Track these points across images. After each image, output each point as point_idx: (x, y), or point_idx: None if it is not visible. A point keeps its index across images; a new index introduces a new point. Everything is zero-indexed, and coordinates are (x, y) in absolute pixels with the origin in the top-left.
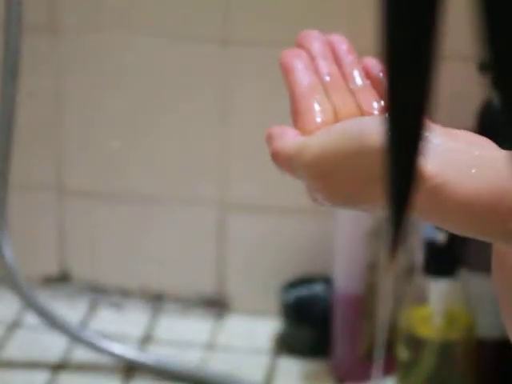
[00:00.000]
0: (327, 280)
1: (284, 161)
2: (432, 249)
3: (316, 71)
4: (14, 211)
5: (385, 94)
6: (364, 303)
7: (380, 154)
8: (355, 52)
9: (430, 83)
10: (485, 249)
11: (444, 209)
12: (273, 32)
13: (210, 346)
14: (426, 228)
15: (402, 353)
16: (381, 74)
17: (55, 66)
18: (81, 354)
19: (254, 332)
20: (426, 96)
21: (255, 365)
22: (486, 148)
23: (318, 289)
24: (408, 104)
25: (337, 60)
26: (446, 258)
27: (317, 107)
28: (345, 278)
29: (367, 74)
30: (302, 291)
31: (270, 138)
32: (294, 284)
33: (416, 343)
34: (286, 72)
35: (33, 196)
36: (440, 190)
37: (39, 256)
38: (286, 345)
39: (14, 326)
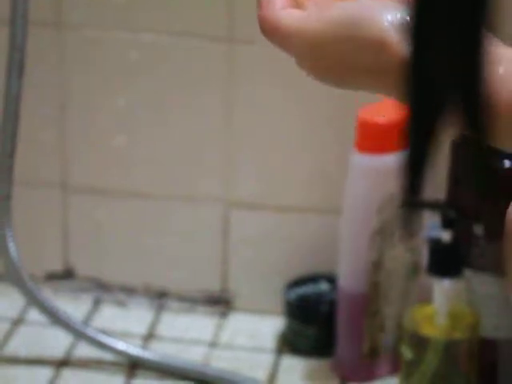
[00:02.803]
0: (331, 278)
1: (274, 32)
2: (436, 248)
3: None
4: (18, 208)
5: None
6: (368, 302)
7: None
8: None
9: None
10: (489, 249)
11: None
12: None
13: (214, 344)
14: (430, 227)
15: (406, 352)
16: None
17: (60, 62)
18: (84, 351)
19: (257, 330)
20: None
21: (258, 363)
22: None
23: (322, 287)
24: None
25: None
26: (451, 258)
27: None
28: (349, 276)
29: None
30: (306, 290)
31: (258, 3)
32: (297, 282)
33: (420, 342)
34: None
35: (37, 193)
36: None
37: (43, 253)
38: (290, 343)
39: (18, 322)
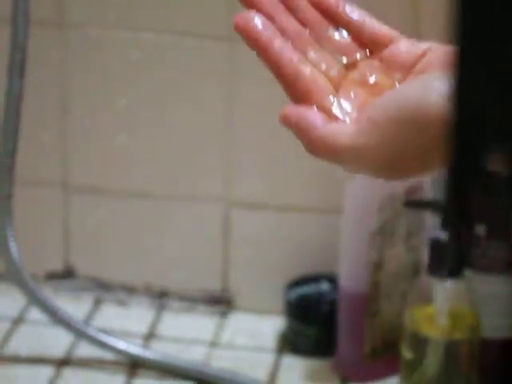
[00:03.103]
0: (332, 278)
1: (329, 152)
2: (437, 248)
3: (281, 32)
4: (19, 207)
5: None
6: (369, 302)
7: (439, 123)
8: None
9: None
10: (490, 249)
11: None
12: None
13: (214, 344)
14: (431, 227)
15: (406, 352)
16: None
17: (61, 62)
18: (85, 350)
19: (258, 330)
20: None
21: (259, 363)
22: None
23: (322, 287)
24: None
25: (288, 9)
26: (452, 258)
27: (318, 78)
28: (350, 276)
29: (319, 7)
30: (307, 289)
31: (298, 128)
32: (298, 282)
33: (420, 343)
34: (259, 49)
35: (38, 192)
36: None
37: (44, 252)
38: (290, 343)
39: (19, 321)
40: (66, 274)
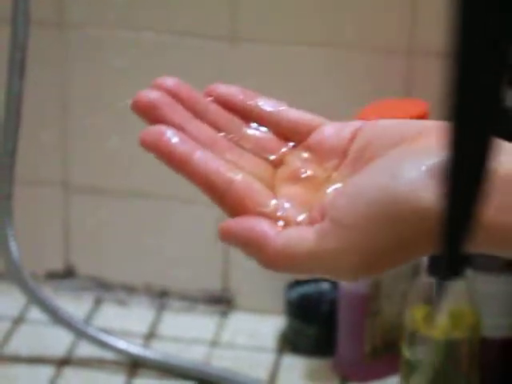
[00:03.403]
0: None
1: (292, 264)
2: None
3: (195, 142)
4: (19, 207)
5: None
6: (369, 302)
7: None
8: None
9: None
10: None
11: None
12: (282, 29)
13: (215, 343)
14: None
15: (407, 352)
16: (250, 101)
17: (61, 61)
18: (85, 350)
19: (258, 329)
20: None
21: (259, 362)
22: None
23: (322, 287)
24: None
25: (193, 111)
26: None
27: (252, 182)
28: None
29: (228, 106)
30: (307, 289)
31: (247, 244)
32: (298, 282)
33: (420, 342)
34: (177, 165)
35: (38, 192)
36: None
37: (44, 251)
38: (291, 343)
39: (19, 321)
40: (66, 273)
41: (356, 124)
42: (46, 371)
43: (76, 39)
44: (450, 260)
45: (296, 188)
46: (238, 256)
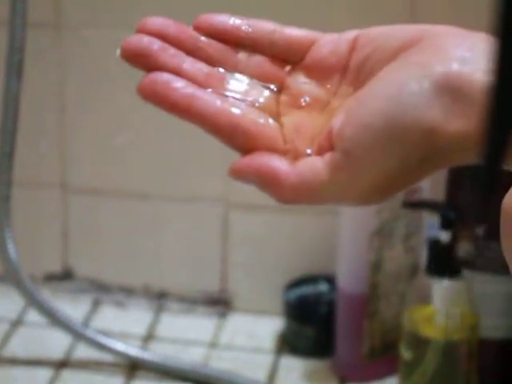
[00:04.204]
0: (330, 279)
1: (307, 197)
2: (436, 248)
3: (192, 81)
4: (17, 208)
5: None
6: (367, 303)
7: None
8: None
9: None
10: (489, 249)
11: None
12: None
13: (213, 345)
14: (429, 227)
15: (405, 353)
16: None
17: (59, 62)
18: (83, 352)
19: (256, 331)
20: None
21: (258, 364)
22: None
23: (321, 288)
24: None
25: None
26: (450, 258)
27: (257, 117)
28: (348, 277)
29: (219, 36)
30: (305, 290)
31: (262, 181)
32: (297, 283)
33: (419, 343)
34: (180, 109)
35: (36, 193)
36: None
37: (42, 253)
38: (289, 344)
39: (17, 323)
40: (65, 275)
41: (351, 35)
42: (44, 373)
43: (73, 41)
44: (489, 174)
45: (301, 114)
46: (236, 257)
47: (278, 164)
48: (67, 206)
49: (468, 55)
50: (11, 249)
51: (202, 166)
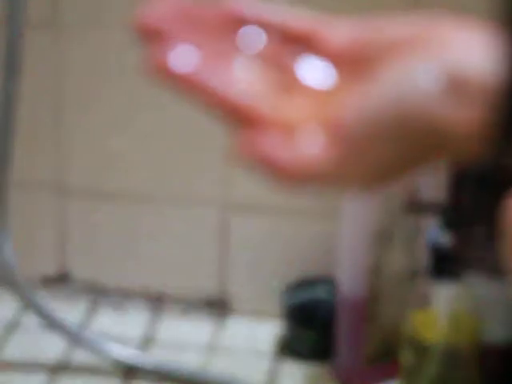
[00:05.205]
0: (330, 282)
1: (308, 180)
2: (437, 252)
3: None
4: (14, 211)
5: None
6: (368, 306)
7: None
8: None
9: None
10: (490, 252)
11: None
12: None
13: (211, 348)
14: (431, 232)
15: (406, 357)
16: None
17: (56, 63)
18: (80, 356)
19: (255, 334)
20: None
21: (257, 367)
22: None
23: (321, 291)
24: None
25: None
26: (452, 262)
27: (263, 101)
28: (348, 280)
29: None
30: (305, 294)
31: (265, 170)
32: (296, 286)
33: (420, 347)
34: (185, 83)
35: (33, 196)
36: None
37: (39, 256)
38: (289, 347)
39: (13, 326)
40: (61, 278)
41: (355, 24)
42: (40, 377)
43: (71, 41)
44: (497, 168)
45: (304, 99)
46: (235, 260)
47: (281, 150)
48: (64, 208)
49: (473, 48)
50: (7, 251)
51: (201, 169)
